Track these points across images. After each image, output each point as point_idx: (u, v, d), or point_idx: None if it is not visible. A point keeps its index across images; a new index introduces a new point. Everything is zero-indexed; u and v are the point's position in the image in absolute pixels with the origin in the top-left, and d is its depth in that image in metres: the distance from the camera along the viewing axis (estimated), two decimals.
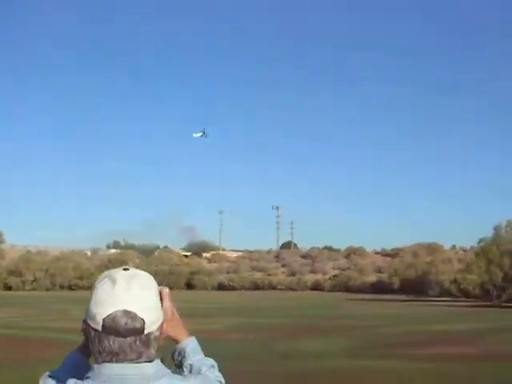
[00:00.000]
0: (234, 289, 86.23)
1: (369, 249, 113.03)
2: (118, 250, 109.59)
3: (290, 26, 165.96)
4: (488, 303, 53.25)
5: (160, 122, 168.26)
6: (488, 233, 57.17)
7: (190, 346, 2.48)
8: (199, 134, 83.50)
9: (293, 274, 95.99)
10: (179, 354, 2.47)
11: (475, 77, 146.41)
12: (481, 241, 57.75)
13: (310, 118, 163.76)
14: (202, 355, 2.50)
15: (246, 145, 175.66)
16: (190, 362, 2.44)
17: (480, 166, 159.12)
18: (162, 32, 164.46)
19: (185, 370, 2.43)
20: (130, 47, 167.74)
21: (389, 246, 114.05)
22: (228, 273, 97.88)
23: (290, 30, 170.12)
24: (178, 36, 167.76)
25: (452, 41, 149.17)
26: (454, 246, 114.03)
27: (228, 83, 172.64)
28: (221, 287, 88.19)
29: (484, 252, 56.57)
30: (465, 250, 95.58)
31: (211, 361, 2.51)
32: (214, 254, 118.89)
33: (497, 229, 56.26)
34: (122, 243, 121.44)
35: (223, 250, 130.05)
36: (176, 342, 2.48)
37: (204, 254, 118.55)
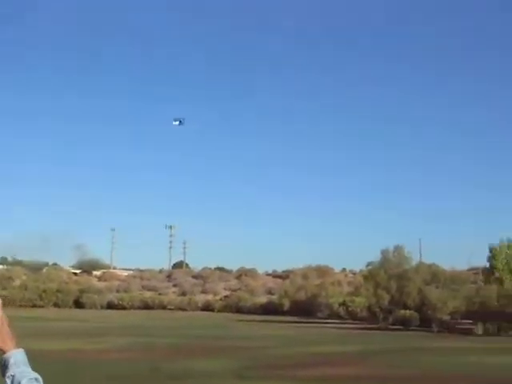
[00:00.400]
0: (123, 308, 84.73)
1: (260, 270, 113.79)
2: (6, 266, 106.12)
3: None
4: (375, 326, 54.44)
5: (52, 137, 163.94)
6: (377, 256, 58.51)
7: (16, 357, 2.49)
8: (176, 123, 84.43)
9: (184, 293, 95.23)
10: (3, 364, 2.49)
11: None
12: (369, 264, 59.06)
13: (199, 138, 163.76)
14: (26, 368, 2.51)
15: (139, 163, 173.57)
16: (12, 373, 2.45)
17: (371, 190, 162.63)
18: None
19: (7, 380, 2.45)
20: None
21: (280, 268, 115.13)
22: (118, 291, 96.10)
23: None
24: None
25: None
26: (344, 269, 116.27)
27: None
28: (110, 306, 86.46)
29: (372, 275, 57.87)
30: (354, 273, 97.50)
31: (35, 374, 2.51)
32: (104, 273, 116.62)
33: (384, 253, 57.70)
34: (10, 259, 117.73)
35: (114, 268, 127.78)
36: (3, 352, 2.50)
37: (94, 272, 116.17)
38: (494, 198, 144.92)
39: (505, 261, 56.98)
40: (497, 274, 56.16)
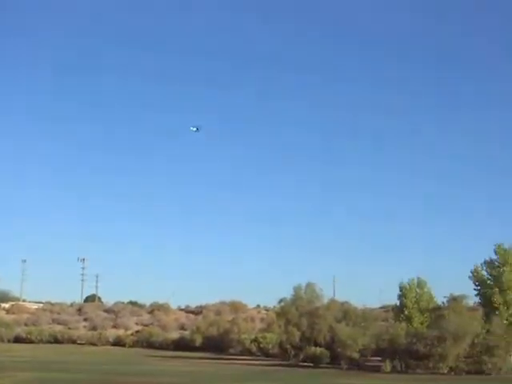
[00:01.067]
0: (31, 342, 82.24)
1: (173, 305, 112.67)
2: None
3: None
4: (285, 362, 54.42)
5: None
6: (289, 293, 58.53)
7: None
8: (194, 129, 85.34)
9: (94, 328, 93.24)
10: None
11: None
12: (281, 301, 59.04)
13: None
14: None
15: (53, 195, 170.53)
16: None
17: (285, 226, 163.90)
18: None
19: None
20: None
21: (193, 304, 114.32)
22: (26, 325, 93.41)
23: None
24: None
25: None
26: (258, 305, 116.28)
27: None
28: (18, 340, 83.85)
29: (284, 312, 57.87)
30: (268, 310, 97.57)
31: None
32: (13, 305, 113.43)
33: (296, 290, 57.87)
34: None
35: (24, 300, 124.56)
36: None
37: (3, 305, 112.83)
38: (404, 235, 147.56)
39: (414, 299, 58.04)
40: (406, 312, 57.13)
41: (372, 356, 52.58)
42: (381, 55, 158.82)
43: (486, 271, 52.06)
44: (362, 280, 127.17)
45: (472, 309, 55.24)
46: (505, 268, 50.74)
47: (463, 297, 52.05)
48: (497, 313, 48.98)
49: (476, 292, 52.62)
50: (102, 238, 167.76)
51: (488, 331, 45.14)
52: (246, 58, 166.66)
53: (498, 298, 49.75)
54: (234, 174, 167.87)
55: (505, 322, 48.30)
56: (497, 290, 50.11)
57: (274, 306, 69.66)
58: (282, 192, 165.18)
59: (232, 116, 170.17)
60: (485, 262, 52.25)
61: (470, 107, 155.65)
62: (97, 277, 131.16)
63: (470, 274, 52.46)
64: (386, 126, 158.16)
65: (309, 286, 58.13)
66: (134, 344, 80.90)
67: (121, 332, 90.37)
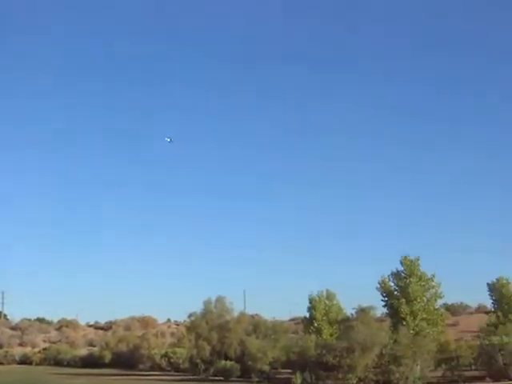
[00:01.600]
0: None
1: (82, 321, 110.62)
2: None
3: None
4: (196, 377, 54.11)
5: None
6: (199, 307, 58.28)
7: None
8: (168, 139, 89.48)
9: (0, 346, 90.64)
10: None
11: None
12: (191, 315, 58.69)
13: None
14: None
15: None
16: None
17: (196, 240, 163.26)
18: None
19: None
20: None
21: (103, 319, 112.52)
22: None
23: None
24: None
25: None
26: (168, 320, 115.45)
27: None
28: None
29: (194, 326, 57.58)
30: (178, 324, 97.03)
31: None
32: None
33: (206, 303, 57.71)
34: None
35: None
36: None
37: None
38: (314, 246, 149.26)
39: (323, 311, 58.77)
40: (316, 324, 57.76)
41: (282, 368, 52.88)
42: None
43: (393, 282, 53.09)
44: (272, 293, 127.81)
45: (380, 320, 56.32)
46: (411, 279, 51.79)
47: (371, 308, 52.90)
48: (404, 323, 49.94)
49: (383, 303, 53.61)
50: (8, 253, 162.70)
51: (395, 341, 45.93)
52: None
53: (404, 309, 50.73)
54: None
55: (411, 331, 49.22)
56: (403, 300, 51.08)
57: (184, 321, 69.37)
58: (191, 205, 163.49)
59: None
60: (392, 274, 53.31)
61: None
62: (2, 293, 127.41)
63: (378, 286, 53.48)
64: None
65: (219, 299, 58.07)
66: (42, 362, 78.98)
67: (28, 350, 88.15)
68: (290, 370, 49.94)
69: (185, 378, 54.29)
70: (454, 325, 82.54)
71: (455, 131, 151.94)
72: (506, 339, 44.22)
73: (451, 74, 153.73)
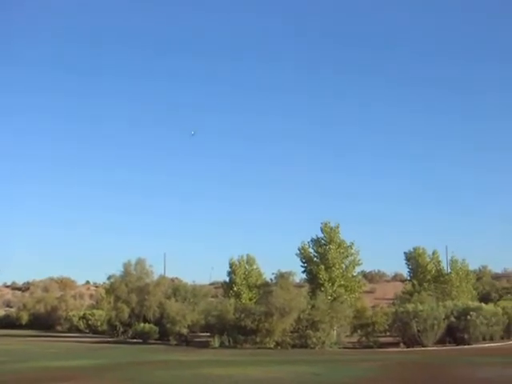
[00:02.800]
0: None
1: None
2: None
3: None
4: (114, 339, 53.88)
5: None
6: (119, 269, 57.84)
7: None
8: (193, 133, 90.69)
9: None
10: None
11: None
12: (110, 277, 58.24)
13: None
14: None
15: None
16: None
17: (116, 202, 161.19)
18: None
19: None
20: None
21: (20, 280, 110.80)
22: None
23: None
24: None
25: None
26: (87, 282, 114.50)
27: None
28: None
29: (113, 288, 57.24)
30: (97, 286, 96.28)
31: None
32: None
33: (126, 266, 57.36)
34: None
35: None
36: None
37: None
38: (235, 213, 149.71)
39: (243, 276, 59.21)
40: (235, 288, 58.18)
41: (201, 332, 53.10)
42: None
43: (313, 249, 53.87)
44: (192, 257, 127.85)
45: (299, 285, 57.11)
46: (330, 246, 52.69)
47: (290, 273, 53.55)
48: (322, 289, 50.82)
49: (303, 269, 54.36)
50: None
51: (313, 307, 46.61)
52: None
53: (323, 275, 51.63)
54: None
55: (329, 297, 50.16)
56: (322, 267, 51.99)
57: (104, 283, 68.84)
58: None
59: None
60: (312, 240, 54.05)
61: None
62: None
63: (298, 252, 54.15)
64: None
65: (139, 262, 57.78)
66: None
67: None
68: (208, 334, 50.19)
69: (103, 340, 53.97)
70: (371, 292, 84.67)
71: None
72: (420, 307, 45.36)
73: None
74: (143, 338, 52.17)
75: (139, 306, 55.05)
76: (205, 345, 46.84)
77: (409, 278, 65.57)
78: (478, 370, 26.07)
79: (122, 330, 55.20)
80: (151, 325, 52.78)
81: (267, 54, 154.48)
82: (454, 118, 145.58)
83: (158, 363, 31.39)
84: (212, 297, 64.55)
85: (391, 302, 70.21)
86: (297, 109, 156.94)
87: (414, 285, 60.93)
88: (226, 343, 45.78)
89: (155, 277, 59.04)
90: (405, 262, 64.55)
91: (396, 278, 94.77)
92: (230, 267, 60.03)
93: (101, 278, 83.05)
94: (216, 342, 45.79)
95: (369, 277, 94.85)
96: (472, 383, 21.79)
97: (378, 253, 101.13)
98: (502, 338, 48.21)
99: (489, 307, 48.54)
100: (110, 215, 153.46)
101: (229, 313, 47.72)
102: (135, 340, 52.62)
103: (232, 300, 51.79)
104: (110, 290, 58.34)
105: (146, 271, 57.84)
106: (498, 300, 59.85)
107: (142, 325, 53.19)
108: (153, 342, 50.98)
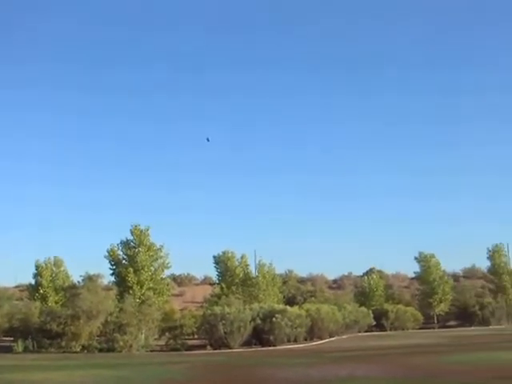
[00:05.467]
0: None
1: None
2: None
3: None
4: None
5: None
6: None
7: None
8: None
9: None
10: None
11: None
12: None
13: None
14: None
15: None
16: None
17: None
18: None
19: None
20: None
21: None
22: None
23: None
24: None
25: None
26: None
27: None
28: None
29: None
30: None
31: None
32: None
33: None
34: None
35: None
36: None
37: None
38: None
39: (50, 278, 57.77)
40: (41, 291, 56.65)
41: (5, 336, 51.12)
42: None
43: (122, 251, 53.52)
44: None
45: (108, 288, 56.52)
46: (140, 249, 52.65)
47: (99, 276, 53.00)
48: (130, 292, 50.63)
49: (112, 272, 53.83)
50: None
51: (121, 310, 46.33)
52: None
53: (132, 278, 51.46)
54: None
55: (137, 300, 50.11)
56: (131, 269, 51.80)
57: None
58: None
59: None
60: (121, 242, 53.69)
61: None
62: None
63: (107, 254, 53.55)
64: None
65: None
66: None
67: None
68: (11, 338, 48.41)
69: None
70: (180, 295, 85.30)
71: None
72: (227, 309, 46.38)
73: None
74: None
75: None
76: (8, 349, 45.12)
77: (218, 281, 66.76)
78: (280, 370, 27.04)
79: None
80: None
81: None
82: None
83: None
84: (17, 300, 62.33)
85: (200, 305, 71.20)
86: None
87: (222, 288, 62.26)
88: (31, 347, 44.45)
89: None
90: (214, 265, 65.79)
91: (205, 281, 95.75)
92: (36, 269, 58.35)
93: None
94: (20, 346, 44.30)
95: (178, 280, 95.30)
96: (272, 383, 22.58)
97: (188, 256, 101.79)
98: (306, 340, 50.47)
99: (293, 310, 50.66)
100: None
101: (33, 316, 46.40)
102: None
103: (37, 303, 50.39)
104: None
105: None
106: (303, 303, 62.42)
107: None
108: None
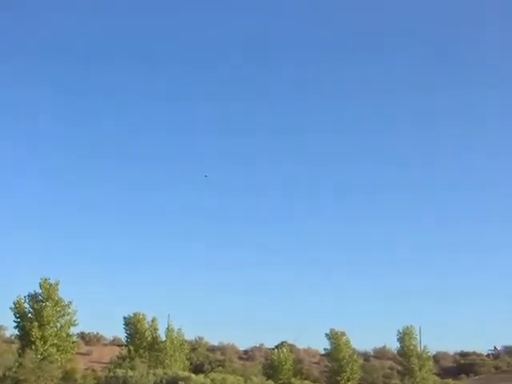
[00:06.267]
0: None
1: None
2: None
3: None
4: None
5: None
6: None
7: None
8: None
9: None
10: None
11: None
12: None
13: None
14: None
15: None
16: None
17: None
18: None
19: None
20: None
21: None
22: None
23: None
24: None
25: None
26: None
27: None
28: None
29: None
30: None
31: None
32: None
33: None
34: None
35: None
36: None
37: None
38: None
39: None
40: None
41: None
42: None
43: (29, 304, 52.02)
44: None
45: (10, 341, 54.74)
46: (47, 303, 51.26)
47: (1, 328, 51.33)
48: (33, 347, 49.08)
49: (16, 324, 52.14)
50: None
51: (20, 365, 44.87)
52: None
53: (36, 332, 49.86)
54: None
55: (40, 356, 48.58)
56: (36, 324, 50.26)
57: None
58: None
59: None
60: (29, 295, 52.23)
61: None
62: None
63: (13, 306, 51.98)
64: None
65: None
66: None
67: None
68: None
69: None
70: (87, 354, 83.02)
71: None
72: (130, 373, 45.50)
73: None
74: None
75: None
76: None
77: (126, 343, 65.44)
78: None
79: None
80: None
81: None
82: None
83: None
84: None
85: (106, 366, 69.53)
86: None
87: (130, 350, 61.01)
88: None
89: None
90: (123, 326, 64.58)
91: (114, 342, 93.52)
92: None
93: None
94: None
95: (87, 338, 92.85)
96: None
97: (100, 315, 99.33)
98: None
99: (198, 378, 49.92)
100: None
101: None
102: None
103: None
104: None
105: None
106: (210, 372, 61.48)
107: None
108: None
